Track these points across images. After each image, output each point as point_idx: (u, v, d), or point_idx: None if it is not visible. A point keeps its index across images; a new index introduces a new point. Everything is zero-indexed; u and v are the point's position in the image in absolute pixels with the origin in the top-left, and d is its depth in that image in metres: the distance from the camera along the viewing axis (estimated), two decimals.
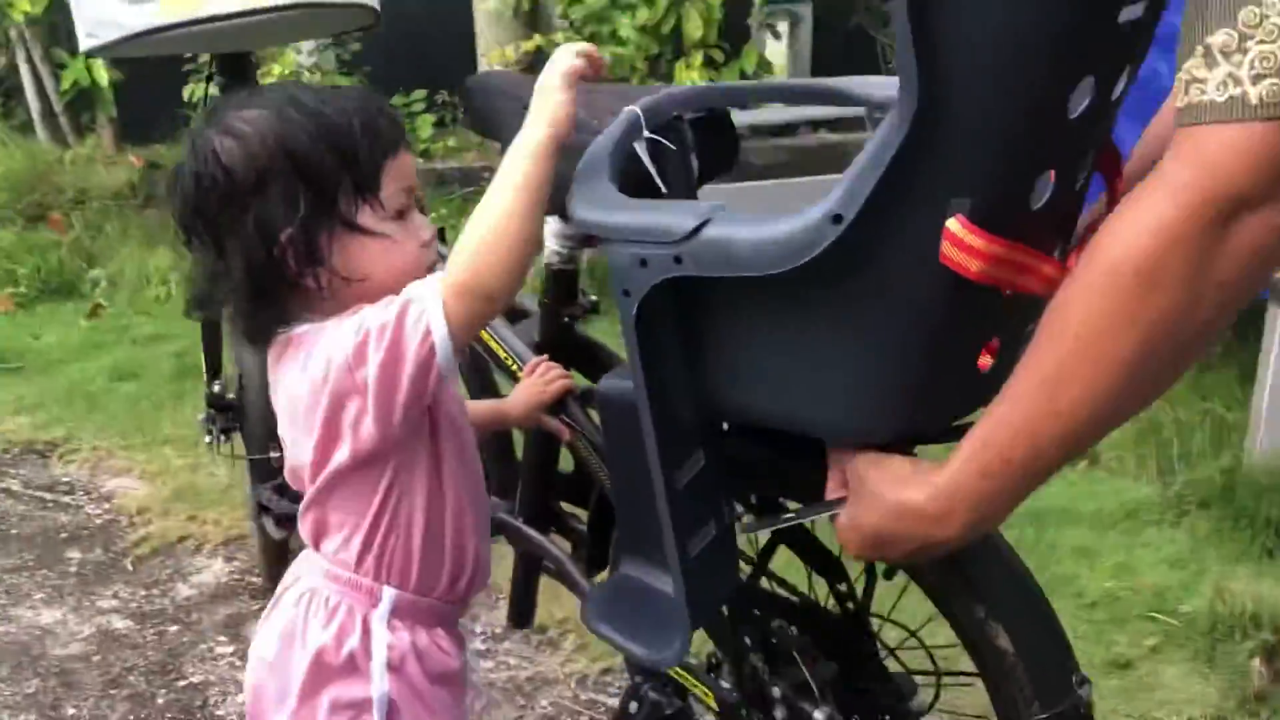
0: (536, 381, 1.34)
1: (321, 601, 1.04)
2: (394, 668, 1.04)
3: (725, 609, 1.25)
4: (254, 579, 2.18)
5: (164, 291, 3.76)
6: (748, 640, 1.24)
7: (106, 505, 2.50)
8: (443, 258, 1.11)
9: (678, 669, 1.31)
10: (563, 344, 1.38)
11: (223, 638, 2.00)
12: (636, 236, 0.89)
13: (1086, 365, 0.75)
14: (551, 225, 1.31)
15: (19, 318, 3.61)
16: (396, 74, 4.70)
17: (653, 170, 1.06)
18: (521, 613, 1.67)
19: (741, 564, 1.26)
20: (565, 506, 1.57)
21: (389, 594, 1.04)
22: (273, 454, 1.79)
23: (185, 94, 4.02)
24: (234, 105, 0.99)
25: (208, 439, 2.02)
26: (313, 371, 0.96)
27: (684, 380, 0.97)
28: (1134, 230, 0.72)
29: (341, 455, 0.98)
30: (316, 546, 1.07)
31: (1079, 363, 0.76)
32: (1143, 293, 0.72)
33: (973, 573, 1.07)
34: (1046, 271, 0.86)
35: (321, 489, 1.02)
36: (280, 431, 1.04)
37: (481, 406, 1.33)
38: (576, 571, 1.47)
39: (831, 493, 0.97)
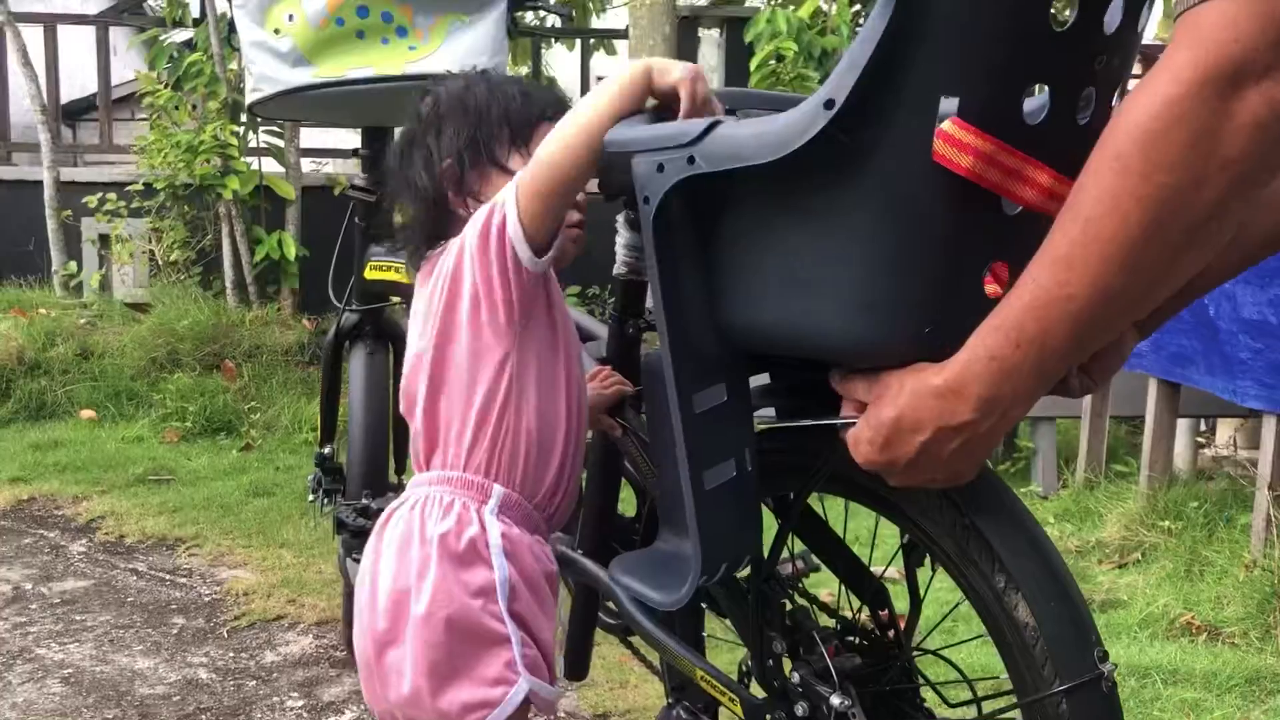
0: (595, 385, 1.41)
1: (435, 501, 1.13)
2: (509, 555, 1.12)
3: (754, 606, 1.25)
4: (337, 653, 2.22)
5: (313, 436, 3.99)
6: (772, 634, 1.22)
7: (217, 588, 2.61)
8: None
9: (708, 678, 1.29)
10: (627, 356, 1.45)
11: (295, 694, 2.04)
12: (655, 145, 0.98)
13: (1095, 245, 0.77)
14: (622, 236, 1.41)
15: (180, 447, 3.88)
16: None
17: None
18: (576, 662, 1.66)
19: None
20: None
21: (498, 490, 1.13)
22: (364, 500, 1.88)
23: None
24: (439, 81, 1.26)
25: (311, 497, 2.13)
26: (443, 266, 1.14)
27: (701, 296, 1.02)
28: (1138, 112, 0.74)
29: (459, 348, 1.12)
30: (426, 465, 1.16)
31: (1088, 242, 0.78)
32: (1148, 171, 0.74)
33: (993, 542, 1.04)
34: (1042, 180, 0.88)
35: (431, 395, 1.14)
36: (408, 353, 1.18)
37: None
38: (633, 606, 1.48)
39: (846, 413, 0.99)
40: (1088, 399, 3.25)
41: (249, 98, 1.74)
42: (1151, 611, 2.37)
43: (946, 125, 0.85)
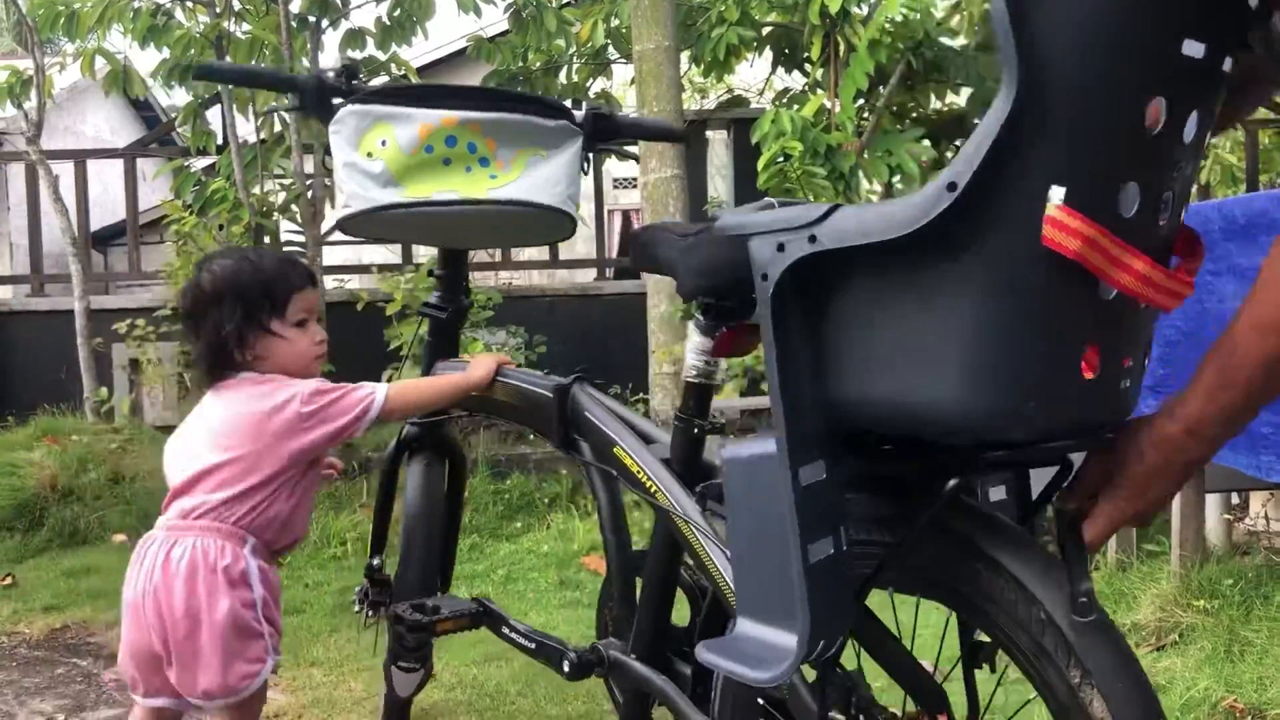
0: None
1: (213, 544, 1.64)
2: (261, 580, 1.69)
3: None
4: None
5: (341, 550, 4.02)
6: None
7: None
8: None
9: None
10: (693, 457, 1.48)
11: None
12: (775, 227, 1.03)
13: None
14: (694, 340, 1.44)
15: None
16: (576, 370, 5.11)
17: None
18: None
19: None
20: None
21: (251, 539, 1.67)
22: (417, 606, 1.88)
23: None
24: (217, 256, 1.79)
25: (356, 608, 2.13)
26: (273, 401, 1.66)
27: (809, 373, 1.05)
28: None
29: (282, 456, 1.67)
30: (195, 516, 1.66)
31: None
32: None
33: (1069, 637, 1.04)
34: (1139, 267, 0.94)
35: (216, 467, 1.66)
36: (200, 442, 1.69)
37: None
38: (689, 707, 1.47)
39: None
40: None
41: (339, 214, 1.81)
42: (1193, 696, 2.32)
43: (1055, 211, 0.90)
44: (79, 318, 5.23)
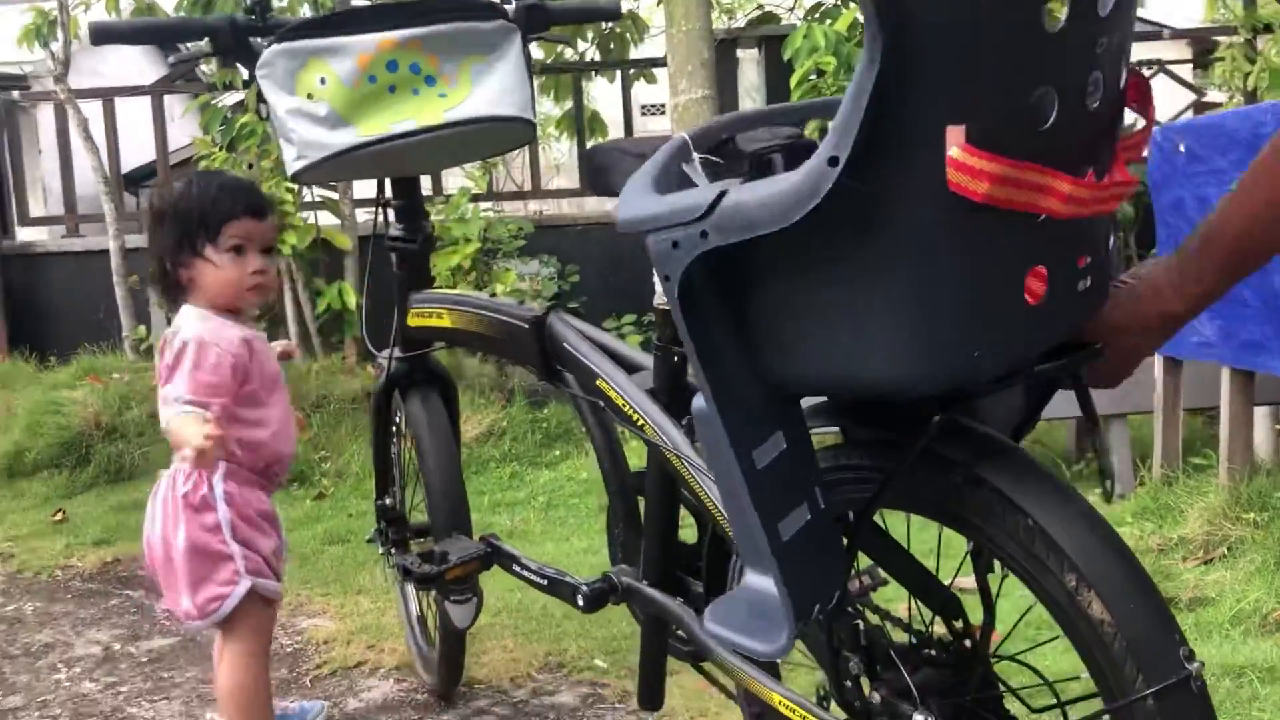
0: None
1: (181, 472, 1.73)
2: (230, 502, 1.75)
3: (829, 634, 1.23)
4: (419, 695, 2.24)
5: None
6: (848, 654, 1.21)
7: (298, 637, 2.65)
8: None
9: (787, 703, 1.28)
10: (675, 385, 1.45)
11: None
12: (666, 223, 0.96)
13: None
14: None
15: None
16: (610, 301, 5.08)
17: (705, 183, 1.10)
18: (651, 692, 1.65)
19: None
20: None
21: (221, 464, 1.73)
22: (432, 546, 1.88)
23: None
24: (170, 181, 1.86)
25: (381, 549, 2.15)
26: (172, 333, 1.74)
27: (740, 359, 1.01)
28: None
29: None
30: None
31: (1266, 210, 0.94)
32: None
33: (1060, 540, 1.02)
34: (1063, 188, 0.88)
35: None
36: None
37: None
38: (702, 630, 1.47)
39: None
40: (1159, 393, 3.19)
41: (293, 167, 1.69)
42: (1243, 608, 2.30)
43: (955, 153, 0.84)
44: (114, 256, 5.25)
